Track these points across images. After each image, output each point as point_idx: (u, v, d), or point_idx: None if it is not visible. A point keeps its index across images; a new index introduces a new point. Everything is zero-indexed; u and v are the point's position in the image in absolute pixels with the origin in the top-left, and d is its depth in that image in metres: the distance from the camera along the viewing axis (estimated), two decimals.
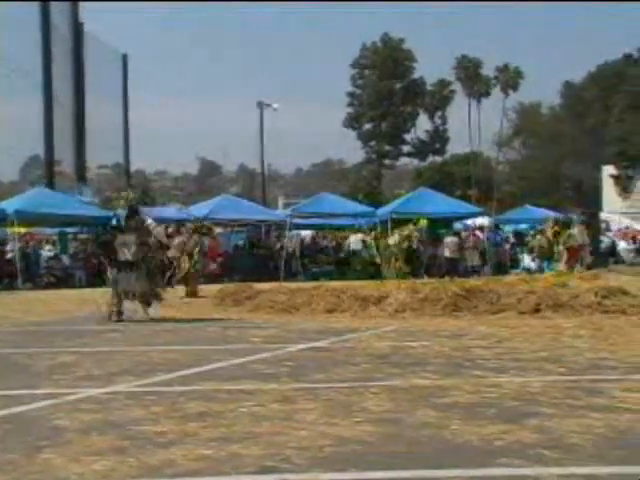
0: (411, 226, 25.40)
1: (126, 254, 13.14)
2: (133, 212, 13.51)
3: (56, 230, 32.06)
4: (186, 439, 4.73)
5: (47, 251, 29.26)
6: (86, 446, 4.62)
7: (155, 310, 13.31)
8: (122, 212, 13.67)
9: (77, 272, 28.29)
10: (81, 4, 42.25)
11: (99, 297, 14.17)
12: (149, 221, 13.75)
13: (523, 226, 36.25)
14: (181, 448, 4.52)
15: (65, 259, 29.14)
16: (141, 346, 9.66)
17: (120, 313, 13.04)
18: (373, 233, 29.72)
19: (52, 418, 5.40)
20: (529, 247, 29.46)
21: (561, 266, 23.34)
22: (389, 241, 24.91)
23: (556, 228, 25.41)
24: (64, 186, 37.91)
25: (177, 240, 19.41)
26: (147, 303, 13.27)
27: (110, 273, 13.46)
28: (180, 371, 7.39)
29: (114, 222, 13.76)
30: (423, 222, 25.48)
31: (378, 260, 26.33)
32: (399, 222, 32.30)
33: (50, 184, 35.94)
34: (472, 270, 27.82)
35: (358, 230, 32.48)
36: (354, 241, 31.52)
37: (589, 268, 22.58)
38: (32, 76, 36.94)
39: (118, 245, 13.21)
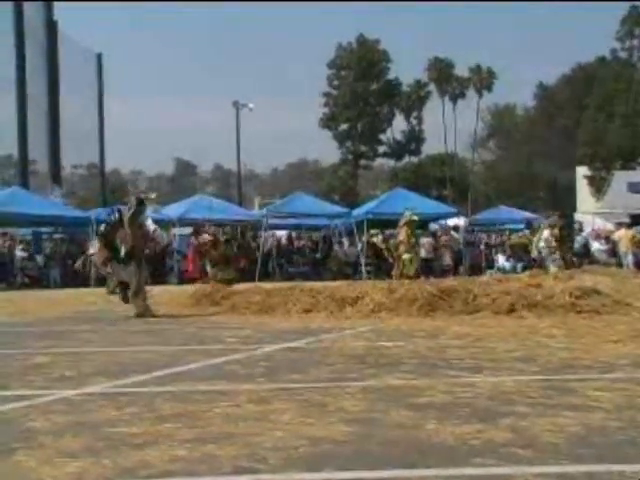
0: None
1: (124, 247, 13.48)
2: (141, 208, 13.87)
3: (30, 230, 31.82)
4: (161, 440, 4.71)
5: (21, 251, 29.03)
6: (59, 448, 4.58)
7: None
8: (124, 207, 14.05)
9: (51, 272, 28.12)
10: (55, 3, 41.99)
11: (75, 297, 14.10)
12: (149, 221, 14.24)
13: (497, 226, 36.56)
14: (156, 449, 4.50)
15: (39, 260, 28.95)
16: (116, 347, 9.61)
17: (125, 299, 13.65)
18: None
19: (25, 420, 5.35)
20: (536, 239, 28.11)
21: (556, 264, 23.15)
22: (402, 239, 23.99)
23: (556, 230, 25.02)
24: (38, 186, 37.66)
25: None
26: (135, 296, 13.54)
27: (109, 267, 13.91)
28: (155, 372, 7.35)
29: (116, 215, 13.98)
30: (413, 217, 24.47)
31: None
32: (376, 223, 32.42)
33: (24, 184, 35.66)
34: (446, 270, 27.90)
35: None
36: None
37: (567, 268, 22.48)
38: (5, 75, 36.63)
39: (119, 238, 13.54)
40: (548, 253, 24.17)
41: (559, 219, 25.06)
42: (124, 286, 13.62)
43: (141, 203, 13.97)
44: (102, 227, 14.24)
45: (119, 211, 14.01)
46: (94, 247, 14.05)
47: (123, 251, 13.51)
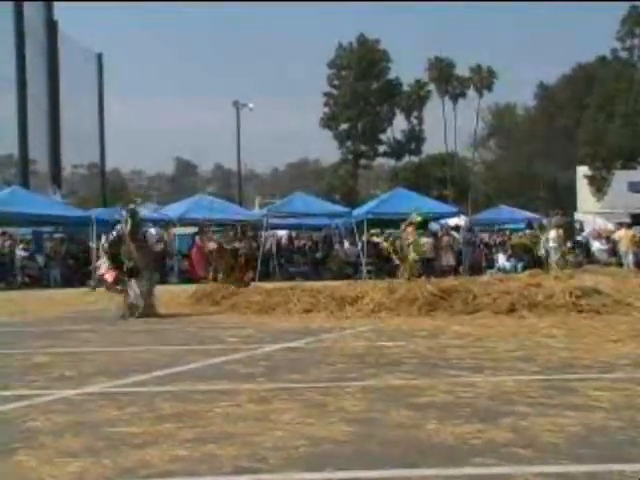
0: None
1: (130, 262, 13.70)
2: (136, 220, 13.99)
3: (30, 230, 31.79)
4: (161, 440, 4.71)
5: (22, 250, 28.98)
6: (60, 448, 4.58)
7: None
8: (123, 218, 14.11)
9: (52, 272, 28.10)
10: (55, 3, 41.95)
11: (75, 297, 14.13)
12: (151, 230, 14.51)
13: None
14: (156, 449, 4.50)
15: (40, 259, 28.92)
16: (116, 346, 9.61)
17: (132, 312, 13.60)
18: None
19: (25, 420, 5.36)
20: (544, 238, 27.84)
21: (556, 262, 23.20)
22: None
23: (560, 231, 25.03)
24: (38, 186, 37.64)
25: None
26: (146, 304, 13.70)
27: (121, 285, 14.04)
28: (155, 371, 7.35)
29: (116, 233, 14.05)
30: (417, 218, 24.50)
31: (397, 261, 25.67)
32: (377, 223, 32.38)
33: (24, 183, 35.63)
34: (447, 270, 27.85)
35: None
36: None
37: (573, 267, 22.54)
38: (6, 75, 36.60)
39: (123, 254, 13.75)
40: (555, 253, 24.31)
41: (560, 219, 25.16)
42: (132, 309, 13.67)
43: (134, 215, 14.00)
44: (106, 246, 14.25)
45: (117, 231, 14.02)
46: (102, 268, 14.15)
47: (129, 266, 13.64)
